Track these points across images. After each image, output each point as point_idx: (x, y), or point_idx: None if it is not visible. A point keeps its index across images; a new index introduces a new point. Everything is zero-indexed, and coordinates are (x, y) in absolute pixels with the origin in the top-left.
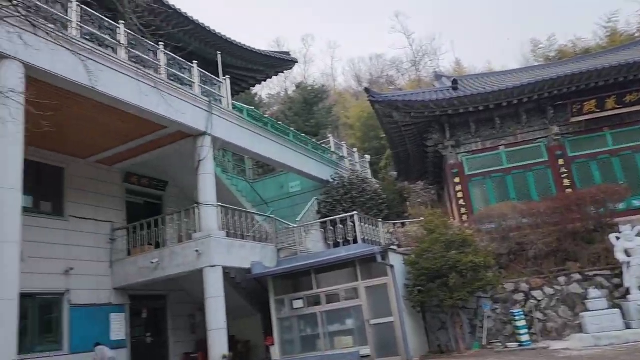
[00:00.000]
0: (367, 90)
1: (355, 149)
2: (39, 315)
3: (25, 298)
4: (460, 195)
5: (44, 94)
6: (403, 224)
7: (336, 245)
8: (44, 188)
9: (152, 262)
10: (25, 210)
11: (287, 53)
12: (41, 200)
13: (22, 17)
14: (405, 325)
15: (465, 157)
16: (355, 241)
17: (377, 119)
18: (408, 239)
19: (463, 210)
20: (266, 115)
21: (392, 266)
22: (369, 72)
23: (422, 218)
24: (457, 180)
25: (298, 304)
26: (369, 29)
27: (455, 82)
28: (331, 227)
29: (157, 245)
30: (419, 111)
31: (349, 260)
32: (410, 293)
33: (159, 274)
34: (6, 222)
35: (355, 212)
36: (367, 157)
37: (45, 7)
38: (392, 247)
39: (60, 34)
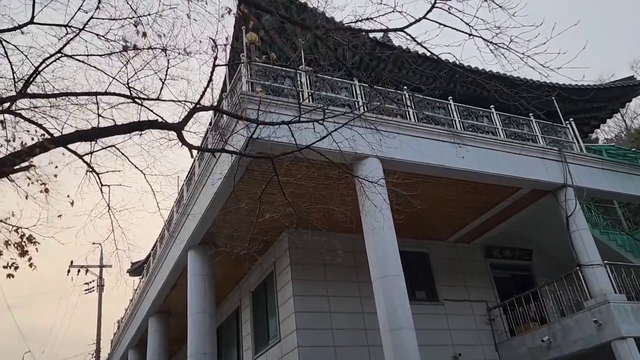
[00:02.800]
0: None
1: None
2: None
3: None
4: None
5: (398, 184)
6: None
7: None
8: (414, 275)
9: (543, 341)
10: None
11: (631, 77)
12: (414, 287)
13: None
14: None
15: None
16: None
17: None
18: None
19: None
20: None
21: None
22: None
23: None
24: None
25: None
26: None
27: None
28: None
29: (543, 321)
30: None
31: None
32: None
33: (554, 354)
34: (398, 308)
35: None
36: None
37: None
38: None
39: (403, 124)
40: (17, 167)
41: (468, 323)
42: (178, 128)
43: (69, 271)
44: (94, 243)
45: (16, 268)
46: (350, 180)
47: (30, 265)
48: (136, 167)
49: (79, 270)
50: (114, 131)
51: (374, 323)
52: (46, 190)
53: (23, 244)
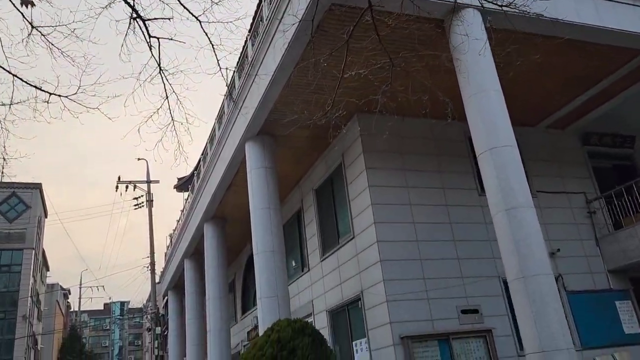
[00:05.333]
0: None
1: None
2: None
3: None
4: None
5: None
6: None
7: None
8: None
9: None
10: None
11: None
12: None
13: None
14: None
15: None
16: None
17: None
18: None
19: None
20: None
21: None
22: None
23: None
24: None
25: None
26: None
27: None
28: None
29: None
30: None
31: None
32: None
33: None
34: (514, 184)
35: None
36: None
37: None
38: None
39: None
40: None
41: (565, 216)
42: None
43: (117, 187)
44: (139, 159)
45: None
46: (446, 44)
47: None
48: (190, 13)
49: (127, 187)
50: None
51: (459, 217)
52: None
53: None
